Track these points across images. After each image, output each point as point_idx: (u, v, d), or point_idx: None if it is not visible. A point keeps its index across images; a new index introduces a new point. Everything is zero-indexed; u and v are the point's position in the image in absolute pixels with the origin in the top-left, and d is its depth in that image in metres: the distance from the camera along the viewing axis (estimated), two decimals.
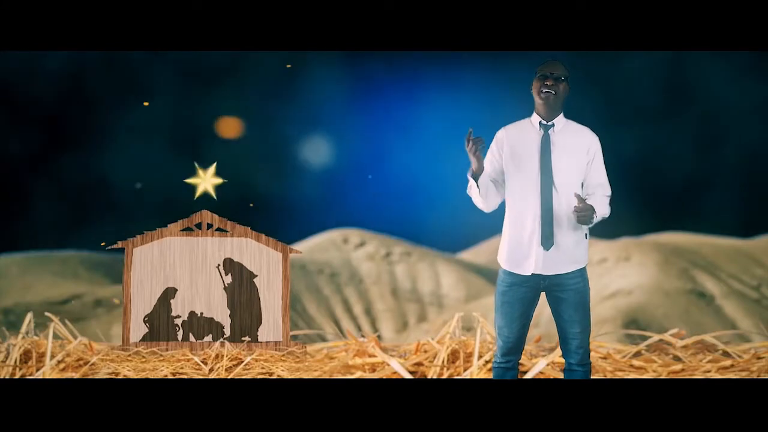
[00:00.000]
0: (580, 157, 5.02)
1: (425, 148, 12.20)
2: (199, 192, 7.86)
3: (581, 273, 5.04)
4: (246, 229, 7.83)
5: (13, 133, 11.56)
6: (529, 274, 4.99)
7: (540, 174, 4.97)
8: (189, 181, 7.87)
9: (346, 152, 12.13)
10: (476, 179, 4.98)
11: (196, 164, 7.86)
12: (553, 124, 5.04)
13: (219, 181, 7.87)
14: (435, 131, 12.07)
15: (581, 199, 4.88)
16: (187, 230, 7.80)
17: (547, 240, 4.94)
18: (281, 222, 11.23)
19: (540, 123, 5.05)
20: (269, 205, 11.48)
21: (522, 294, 5.02)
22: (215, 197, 7.85)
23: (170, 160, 11.04)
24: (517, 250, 5.01)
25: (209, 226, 7.80)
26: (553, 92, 5.00)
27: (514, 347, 5.09)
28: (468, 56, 11.19)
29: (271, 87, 11.80)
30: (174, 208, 8.14)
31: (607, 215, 5.06)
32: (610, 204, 5.12)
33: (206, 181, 7.86)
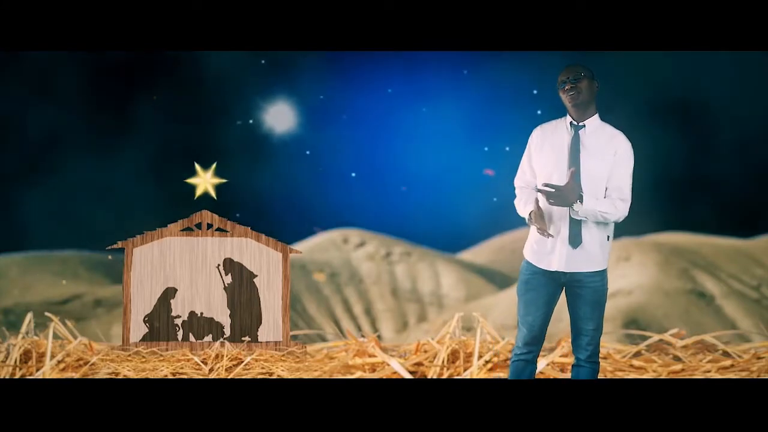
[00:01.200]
0: (607, 160, 5.01)
1: (427, 148, 12.19)
2: (199, 192, 7.86)
3: (601, 274, 5.08)
4: (246, 229, 7.83)
5: (13, 133, 11.57)
6: (552, 270, 5.02)
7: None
8: (189, 181, 7.87)
9: (348, 152, 12.13)
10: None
11: (196, 164, 7.86)
12: (584, 125, 5.04)
13: (219, 181, 7.87)
14: (437, 132, 12.07)
15: (568, 181, 4.87)
16: (187, 230, 7.80)
17: (575, 239, 4.98)
18: (281, 222, 11.23)
19: (571, 123, 5.06)
20: (269, 205, 11.49)
21: (545, 282, 5.07)
22: (215, 197, 7.85)
23: (170, 160, 11.04)
24: (543, 246, 5.05)
25: (209, 226, 7.80)
26: (576, 92, 5.01)
27: (537, 336, 5.10)
28: (472, 56, 11.20)
29: (272, 87, 11.80)
30: (174, 208, 8.14)
31: (607, 214, 4.97)
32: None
33: (206, 181, 7.86)
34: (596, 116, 5.09)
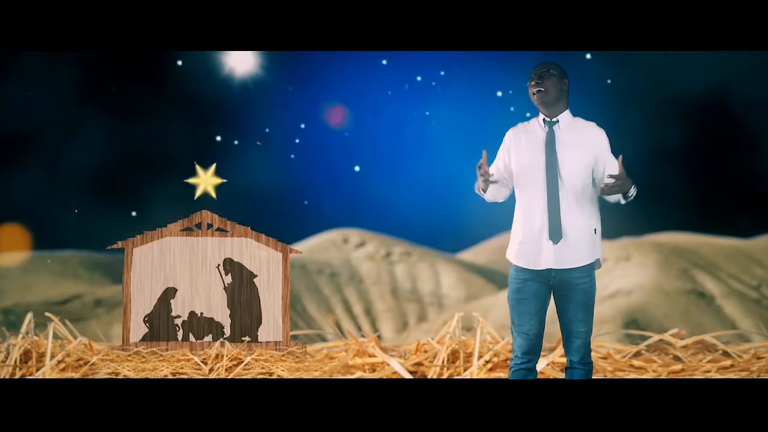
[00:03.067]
0: (585, 152, 5.02)
1: (426, 148, 12.19)
2: (199, 192, 7.86)
3: (590, 272, 5.05)
4: (246, 229, 7.83)
5: (12, 133, 11.57)
6: (541, 268, 5.00)
7: (546, 169, 4.99)
8: (189, 181, 7.87)
9: (347, 152, 12.13)
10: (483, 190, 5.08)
11: (196, 164, 7.86)
12: (557, 121, 5.06)
13: (219, 181, 7.87)
14: (437, 132, 12.07)
15: (621, 169, 4.88)
16: (187, 230, 7.80)
17: (556, 233, 4.96)
18: (281, 222, 11.23)
19: (544, 120, 5.07)
20: (269, 205, 11.49)
21: (536, 288, 5.03)
22: (215, 197, 7.85)
23: (171, 158, 11.05)
24: (528, 246, 5.03)
25: (209, 226, 7.80)
26: (542, 89, 5.02)
27: (535, 343, 5.06)
28: (474, 57, 11.20)
29: (274, 86, 11.81)
30: (174, 208, 8.15)
31: (633, 196, 5.05)
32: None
33: (206, 181, 7.86)
34: (567, 111, 5.10)
